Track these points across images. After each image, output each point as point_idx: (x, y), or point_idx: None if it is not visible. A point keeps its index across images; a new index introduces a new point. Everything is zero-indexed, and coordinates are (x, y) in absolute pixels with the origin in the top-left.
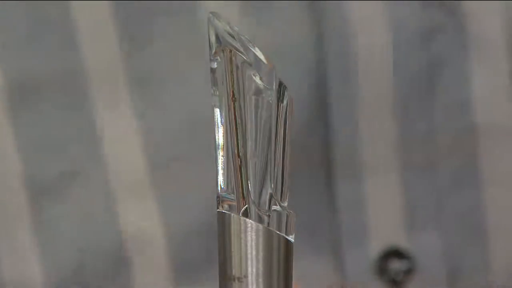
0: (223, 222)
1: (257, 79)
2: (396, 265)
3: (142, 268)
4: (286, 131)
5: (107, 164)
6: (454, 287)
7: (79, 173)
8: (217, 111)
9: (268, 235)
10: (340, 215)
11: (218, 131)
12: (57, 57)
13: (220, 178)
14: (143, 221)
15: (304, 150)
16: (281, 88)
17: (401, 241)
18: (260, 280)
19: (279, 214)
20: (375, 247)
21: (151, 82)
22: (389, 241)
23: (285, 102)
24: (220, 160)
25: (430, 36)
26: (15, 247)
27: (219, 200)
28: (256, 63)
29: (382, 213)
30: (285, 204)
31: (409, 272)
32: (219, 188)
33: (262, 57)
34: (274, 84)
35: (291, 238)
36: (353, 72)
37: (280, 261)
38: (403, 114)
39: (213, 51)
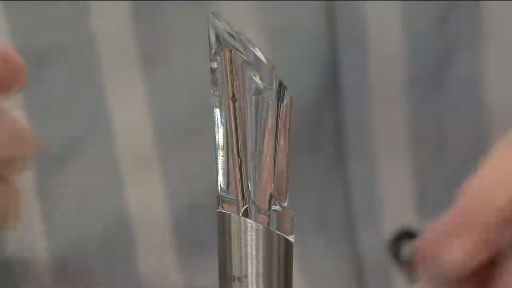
0: (223, 222)
1: (257, 79)
2: (407, 246)
3: (146, 240)
4: (287, 131)
5: (114, 135)
6: None
7: (86, 142)
8: (217, 111)
9: (268, 235)
10: (353, 196)
11: (218, 131)
12: (68, 25)
13: (220, 178)
14: (148, 192)
15: (317, 131)
16: (281, 88)
17: (413, 221)
18: (260, 280)
19: (279, 214)
20: (388, 227)
21: (161, 54)
22: (401, 222)
23: (285, 102)
24: (220, 160)
25: (444, 16)
26: None
27: (219, 200)
28: (256, 63)
29: (394, 194)
30: (285, 204)
31: None
32: (219, 188)
33: (262, 57)
34: (274, 84)
35: (291, 238)
36: (365, 51)
37: (280, 261)
38: (415, 94)
39: (213, 51)
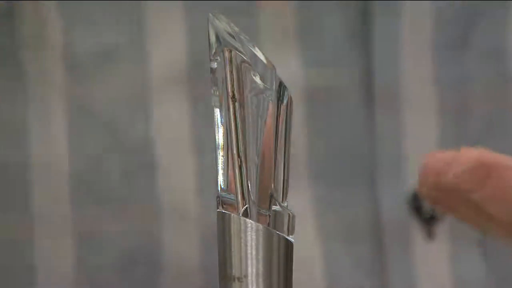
0: (223, 222)
1: (257, 79)
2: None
3: (167, 158)
4: (287, 131)
5: (148, 54)
6: None
7: (119, 55)
8: (217, 111)
9: (268, 235)
10: (378, 149)
11: (218, 131)
12: None
13: (220, 178)
14: (174, 113)
15: (346, 81)
16: (281, 88)
17: None
18: (260, 280)
19: (279, 214)
20: (410, 182)
21: None
22: None
23: (285, 102)
24: (220, 160)
25: None
26: (45, 123)
27: (219, 200)
28: (256, 63)
29: (418, 149)
30: (285, 204)
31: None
32: (219, 188)
33: (262, 57)
34: (274, 84)
35: (291, 238)
36: (396, 13)
37: (280, 261)
38: (439, 60)
39: (213, 51)
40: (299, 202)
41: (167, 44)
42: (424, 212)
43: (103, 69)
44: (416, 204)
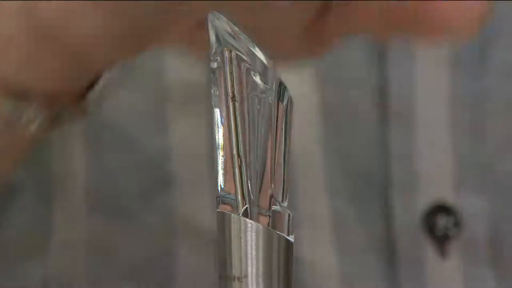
0: (223, 222)
1: (257, 79)
2: (443, 220)
3: (184, 174)
4: (287, 131)
5: (167, 68)
6: (496, 249)
7: (137, 69)
8: (217, 111)
9: (268, 235)
10: (392, 166)
11: (218, 131)
12: None
13: (220, 178)
14: (191, 129)
15: (362, 98)
16: (281, 88)
17: (448, 197)
18: (260, 280)
19: (279, 214)
20: (423, 200)
21: None
22: (437, 196)
23: (285, 102)
24: (220, 160)
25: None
26: (62, 139)
27: (219, 200)
28: (256, 63)
29: (432, 168)
30: (285, 204)
31: (455, 227)
32: (219, 188)
33: (262, 57)
34: (274, 84)
35: (291, 238)
36: None
37: (280, 261)
38: (456, 75)
39: (213, 51)
40: (317, 216)
41: (186, 59)
42: (438, 230)
43: (121, 83)
44: (429, 222)
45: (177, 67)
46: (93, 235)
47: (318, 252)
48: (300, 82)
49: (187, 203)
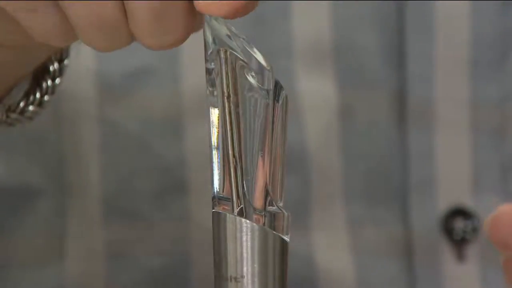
0: (218, 222)
1: (252, 79)
2: (461, 224)
3: (199, 179)
4: (282, 130)
5: (182, 75)
6: None
7: (152, 76)
8: (213, 111)
9: (264, 235)
10: (410, 168)
11: (214, 131)
12: None
13: (216, 179)
14: (206, 134)
15: (380, 100)
16: (277, 88)
17: (467, 200)
18: (256, 279)
19: (275, 214)
20: (442, 203)
21: None
22: (456, 200)
23: (280, 101)
24: (216, 160)
25: (509, 3)
26: (77, 144)
27: (215, 200)
28: (253, 63)
29: (450, 170)
30: (281, 204)
31: (473, 231)
32: (214, 189)
33: (259, 57)
34: (270, 84)
35: (286, 237)
36: (431, 29)
37: (276, 261)
38: (476, 78)
39: (210, 51)
40: (334, 219)
41: (201, 65)
42: (455, 233)
43: (136, 90)
44: (447, 226)
45: (193, 73)
46: (109, 241)
47: (335, 255)
48: (319, 84)
49: (202, 209)
